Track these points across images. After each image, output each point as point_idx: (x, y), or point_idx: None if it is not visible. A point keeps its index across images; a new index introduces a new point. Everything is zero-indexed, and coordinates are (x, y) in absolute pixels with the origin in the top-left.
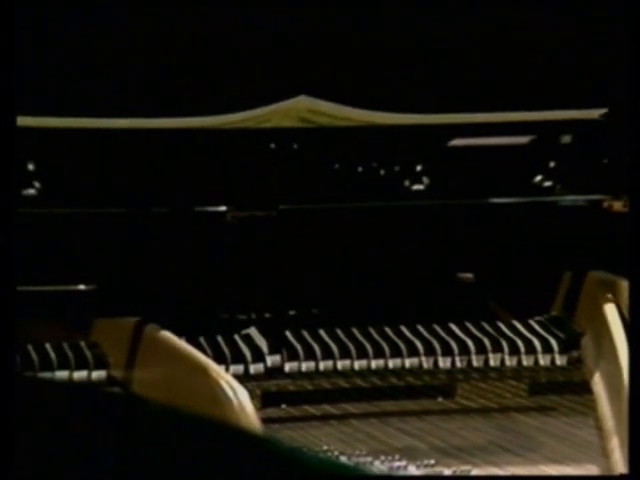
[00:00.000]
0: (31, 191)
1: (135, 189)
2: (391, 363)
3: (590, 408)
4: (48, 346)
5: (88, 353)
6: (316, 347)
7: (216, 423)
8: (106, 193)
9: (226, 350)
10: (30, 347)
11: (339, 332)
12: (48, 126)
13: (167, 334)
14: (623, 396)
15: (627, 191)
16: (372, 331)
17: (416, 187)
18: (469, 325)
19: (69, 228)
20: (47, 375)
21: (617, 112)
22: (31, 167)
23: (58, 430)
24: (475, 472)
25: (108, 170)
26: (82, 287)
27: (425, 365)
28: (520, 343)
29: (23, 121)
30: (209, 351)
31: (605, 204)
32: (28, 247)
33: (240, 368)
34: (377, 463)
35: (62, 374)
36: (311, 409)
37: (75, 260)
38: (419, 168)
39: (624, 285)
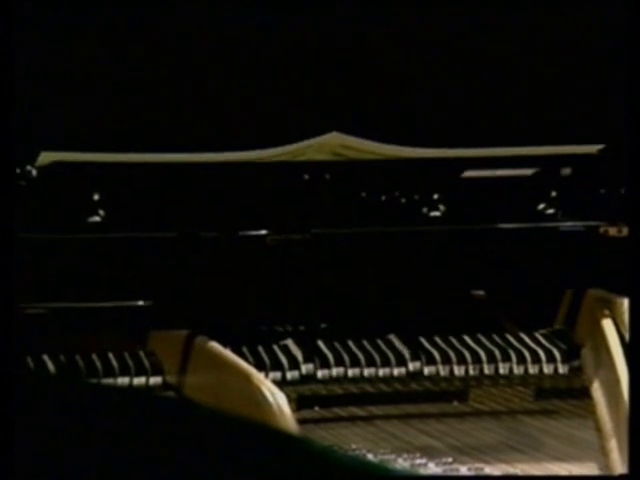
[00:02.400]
0: (96, 218)
1: (187, 216)
2: (411, 370)
3: (590, 412)
4: (111, 355)
5: (146, 361)
6: (345, 356)
7: (257, 425)
8: (162, 219)
9: (266, 359)
10: (95, 356)
11: (365, 343)
12: (111, 161)
13: (214, 344)
14: (620, 401)
15: (625, 216)
16: (395, 342)
17: (433, 214)
18: (481, 337)
19: (129, 251)
20: (110, 381)
21: (613, 148)
22: (96, 197)
23: (118, 431)
24: (487, 469)
25: (163, 199)
26: (141, 303)
27: (442, 372)
28: (526, 353)
29: (89, 157)
30: (251, 359)
31: (601, 230)
32: (93, 268)
33: (278, 375)
34: (400, 460)
35: (123, 380)
36: (340, 411)
37: (134, 279)
38: (436, 197)
39: (620, 302)
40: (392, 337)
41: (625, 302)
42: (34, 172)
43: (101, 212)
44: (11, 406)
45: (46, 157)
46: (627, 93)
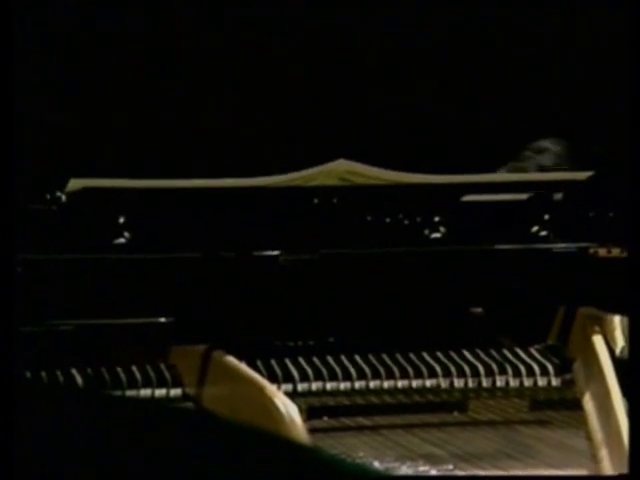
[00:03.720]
0: (122, 240)
1: (207, 237)
2: (414, 383)
3: (581, 422)
4: (134, 368)
5: (167, 374)
6: (352, 369)
7: (269, 434)
8: (183, 241)
9: (278, 372)
10: (119, 369)
11: (371, 357)
12: (135, 187)
13: (231, 358)
14: (611, 413)
15: (624, 236)
16: (398, 356)
17: (434, 235)
18: (479, 352)
19: (152, 271)
20: (133, 392)
21: (601, 175)
22: (121, 220)
23: (141, 440)
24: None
25: (185, 222)
26: (163, 320)
27: (442, 385)
28: (522, 367)
29: (114, 183)
30: (264, 372)
31: (591, 251)
32: (118, 287)
33: (290, 387)
34: (404, 468)
35: (146, 391)
36: (348, 421)
37: (157, 297)
38: (437, 219)
39: (609, 319)
40: (396, 352)
41: (615, 319)
42: (64, 198)
43: (126, 234)
44: (13, 416)
45: (75, 184)
46: (627, 102)
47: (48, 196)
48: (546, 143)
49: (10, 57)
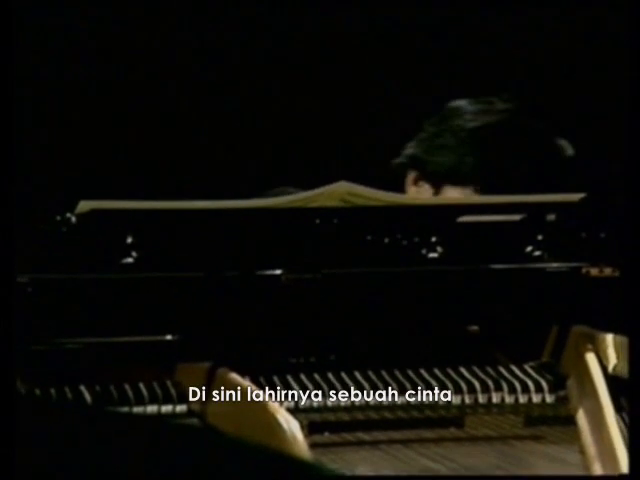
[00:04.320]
0: (129, 260)
1: (211, 257)
2: (412, 399)
3: (575, 437)
4: (141, 385)
5: (173, 390)
6: (352, 385)
7: (273, 452)
8: (188, 260)
9: (280, 388)
10: (127, 386)
11: (370, 374)
12: (142, 208)
13: (234, 375)
14: (603, 429)
15: (614, 257)
16: (397, 373)
17: (431, 255)
18: (475, 369)
19: (158, 290)
20: (140, 409)
21: (593, 197)
22: (129, 240)
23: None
24: None
25: (190, 242)
26: (169, 337)
27: (440, 401)
28: (517, 384)
29: (122, 204)
30: (267, 389)
31: (584, 270)
32: (126, 306)
33: (291, 403)
34: None
35: (152, 408)
36: (348, 436)
37: (162, 315)
38: (434, 239)
39: (602, 337)
40: (394, 369)
41: (607, 337)
42: (73, 219)
43: (133, 254)
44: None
45: (84, 205)
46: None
47: (58, 217)
48: (460, 103)
49: (12, 75)
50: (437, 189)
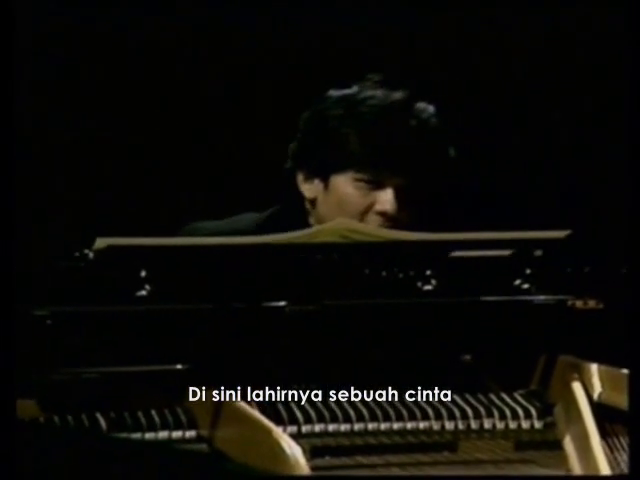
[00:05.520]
0: (143, 292)
1: (218, 289)
2: (409, 425)
3: (562, 461)
4: (153, 412)
5: (183, 417)
6: (351, 412)
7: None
8: (198, 293)
9: (284, 415)
10: (140, 413)
11: (369, 401)
12: (155, 244)
13: (241, 402)
14: (589, 454)
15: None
16: (394, 400)
17: (426, 287)
18: (468, 396)
19: (170, 321)
20: (152, 434)
21: (578, 233)
22: (143, 274)
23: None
24: None
25: (199, 275)
26: (179, 366)
27: (434, 427)
28: (507, 411)
29: (136, 241)
30: (271, 415)
31: (569, 303)
32: (140, 336)
33: (294, 429)
34: None
35: (163, 433)
36: (348, 460)
37: (173, 345)
38: (428, 273)
39: (587, 366)
40: (392, 396)
41: (592, 367)
42: (91, 255)
43: (147, 287)
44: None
45: (101, 242)
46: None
47: (77, 254)
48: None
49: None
50: (325, 181)
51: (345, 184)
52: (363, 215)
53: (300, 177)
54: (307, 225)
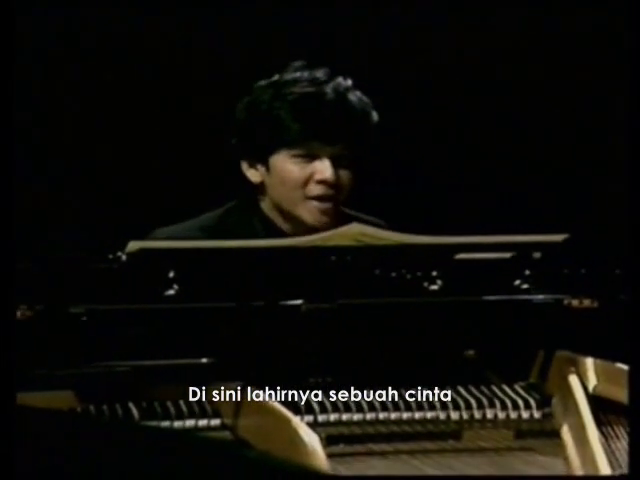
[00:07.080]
0: (171, 292)
1: (240, 289)
2: (416, 415)
3: (560, 449)
4: (181, 402)
5: (208, 407)
6: (364, 403)
7: (295, 465)
8: (222, 292)
9: (301, 405)
10: (169, 403)
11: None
12: (182, 247)
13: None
14: (585, 443)
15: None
16: (403, 392)
17: (432, 288)
18: (472, 388)
19: (197, 318)
20: (180, 422)
21: (575, 237)
22: (171, 274)
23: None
24: None
25: (224, 276)
26: (204, 360)
27: (440, 416)
28: (508, 401)
29: (166, 244)
30: (290, 405)
31: (566, 302)
32: (168, 333)
33: (311, 418)
34: None
35: (190, 422)
36: (360, 447)
37: (199, 340)
38: (434, 274)
39: (582, 361)
40: (401, 387)
41: (587, 361)
42: (124, 257)
43: (175, 286)
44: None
45: (133, 245)
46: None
47: (111, 256)
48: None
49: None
50: (266, 164)
51: (283, 162)
52: (305, 186)
53: (244, 165)
54: (261, 214)
